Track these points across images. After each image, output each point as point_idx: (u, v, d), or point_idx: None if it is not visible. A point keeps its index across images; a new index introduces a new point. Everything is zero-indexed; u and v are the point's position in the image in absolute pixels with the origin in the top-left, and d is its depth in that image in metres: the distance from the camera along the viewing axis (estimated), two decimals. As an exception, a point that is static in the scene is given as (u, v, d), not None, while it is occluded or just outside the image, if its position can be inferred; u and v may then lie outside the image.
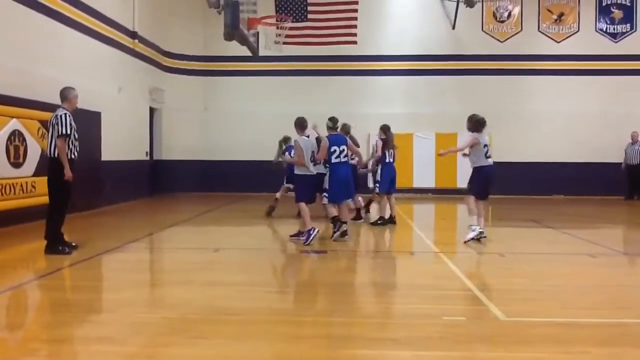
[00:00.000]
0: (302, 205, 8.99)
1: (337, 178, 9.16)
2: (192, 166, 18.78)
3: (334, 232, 9.05)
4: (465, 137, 9.70)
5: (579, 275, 6.95)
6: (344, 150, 9.24)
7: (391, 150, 11.15)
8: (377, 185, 11.26)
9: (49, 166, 7.90)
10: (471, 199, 9.33)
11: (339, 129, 9.61)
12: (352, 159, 11.14)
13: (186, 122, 18.94)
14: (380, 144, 11.16)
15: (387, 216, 11.12)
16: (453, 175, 18.41)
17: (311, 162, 9.08)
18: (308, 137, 9.18)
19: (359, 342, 4.34)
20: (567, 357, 3.98)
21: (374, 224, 11.09)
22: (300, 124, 9.19)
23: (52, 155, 7.79)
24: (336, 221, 9.10)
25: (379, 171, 11.20)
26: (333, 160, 9.16)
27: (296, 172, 9.14)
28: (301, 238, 8.85)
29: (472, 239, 9.01)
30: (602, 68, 18.83)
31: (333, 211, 9.24)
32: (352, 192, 9.71)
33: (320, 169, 9.39)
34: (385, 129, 11.26)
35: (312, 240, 8.66)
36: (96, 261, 7.65)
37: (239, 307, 5.25)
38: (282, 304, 5.70)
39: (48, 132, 7.87)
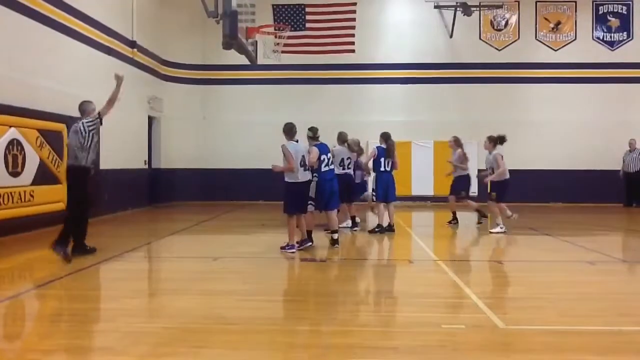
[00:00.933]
0: (291, 218, 8.78)
1: (326, 187, 9.24)
2: (190, 175, 18.77)
3: (300, 246, 9.01)
4: (490, 156, 11.48)
5: (577, 282, 6.94)
6: (330, 158, 9.40)
7: (388, 160, 11.10)
8: (374, 193, 11.24)
9: (66, 175, 8.33)
10: (500, 205, 11.35)
11: (319, 138, 9.48)
12: (348, 167, 11.12)
13: (185, 130, 18.96)
14: (375, 152, 11.13)
15: (385, 224, 11.11)
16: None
17: (301, 167, 8.68)
18: (297, 141, 8.86)
19: (358, 351, 4.33)
20: (567, 365, 3.98)
21: (372, 231, 11.09)
22: (289, 130, 8.80)
23: (70, 163, 8.17)
24: (309, 235, 9.24)
25: (374, 180, 11.20)
26: (322, 169, 9.20)
27: (286, 179, 8.76)
28: (297, 247, 8.84)
29: (498, 232, 11.11)
30: (599, 76, 18.91)
31: (312, 224, 9.31)
32: (338, 200, 9.77)
33: (309, 175, 8.94)
34: (386, 137, 11.19)
35: (288, 251, 8.70)
36: (95, 270, 7.63)
37: (239, 317, 5.24)
38: (281, 313, 5.69)
39: (69, 143, 8.25)
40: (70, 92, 12.10)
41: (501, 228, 11.24)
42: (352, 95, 19.20)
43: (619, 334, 4.78)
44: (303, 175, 8.74)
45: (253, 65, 16.11)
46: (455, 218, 12.80)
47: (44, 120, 10.95)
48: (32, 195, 10.48)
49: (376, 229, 11.06)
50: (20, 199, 10.19)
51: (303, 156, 8.73)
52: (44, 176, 10.88)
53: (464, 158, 12.43)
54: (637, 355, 4.31)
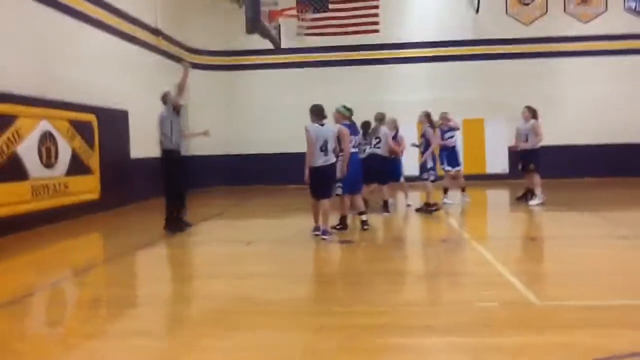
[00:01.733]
0: (316, 202, 8.54)
1: (353, 169, 8.96)
2: (219, 161, 18.88)
3: (337, 227, 8.98)
4: (527, 125, 11.97)
5: (611, 258, 6.84)
6: (357, 140, 9.24)
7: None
8: (430, 173, 10.94)
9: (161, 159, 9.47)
10: (537, 175, 11.74)
11: (347, 117, 9.20)
12: (376, 147, 10.89)
13: (211, 117, 18.98)
14: (431, 131, 10.96)
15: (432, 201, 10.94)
16: (482, 160, 18.26)
17: (321, 152, 8.23)
18: (323, 125, 8.37)
19: (392, 330, 4.35)
20: (603, 340, 3.94)
21: (427, 211, 10.85)
22: (315, 111, 8.39)
23: (161, 148, 9.32)
24: (344, 219, 9.11)
25: (430, 159, 10.98)
26: (351, 151, 8.94)
27: (307, 164, 8.36)
28: (322, 235, 8.43)
29: (537, 204, 11.57)
30: (631, 47, 18.40)
31: (346, 207, 9.14)
32: (362, 184, 9.53)
33: (330, 159, 8.38)
34: (428, 115, 11.11)
35: (320, 235, 8.41)
36: (130, 256, 7.78)
37: (272, 299, 5.29)
38: (314, 294, 5.74)
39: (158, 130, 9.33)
40: (97, 82, 12.27)
41: (539, 199, 11.66)
42: (378, 75, 19.01)
43: (656, 308, 4.72)
44: (323, 160, 8.25)
45: (277, 49, 16.13)
46: (526, 194, 12.26)
47: (74, 111, 11.13)
48: (66, 186, 10.69)
49: (432, 209, 10.84)
50: (56, 189, 10.40)
51: (325, 140, 8.25)
52: (76, 167, 11.09)
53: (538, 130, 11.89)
54: (676, 329, 4.24)
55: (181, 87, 9.24)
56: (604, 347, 3.77)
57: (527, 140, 11.85)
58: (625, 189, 15.40)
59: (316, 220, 8.63)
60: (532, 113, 11.95)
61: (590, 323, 4.33)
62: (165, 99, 9.38)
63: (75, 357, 4.04)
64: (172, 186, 9.41)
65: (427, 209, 10.90)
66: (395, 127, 11.75)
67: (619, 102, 18.18)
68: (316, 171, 8.31)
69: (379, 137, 10.71)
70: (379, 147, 10.69)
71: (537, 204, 11.56)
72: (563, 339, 4.01)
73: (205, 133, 10.32)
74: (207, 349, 4.06)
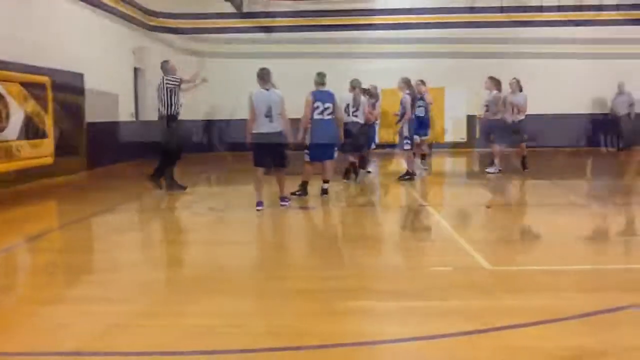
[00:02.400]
0: (256, 171, 8.14)
1: (318, 136, 8.85)
2: (181, 127, 18.51)
3: (296, 193, 8.82)
4: (489, 96, 12.03)
5: (566, 225, 7.02)
6: (328, 107, 8.88)
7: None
8: (407, 142, 10.77)
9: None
10: (496, 145, 11.84)
11: (325, 86, 9.08)
12: (353, 115, 10.77)
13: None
14: (408, 99, 10.75)
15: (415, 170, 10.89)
16: (441, 129, 18.42)
17: (266, 118, 7.90)
18: (268, 90, 8.05)
19: (350, 294, 4.40)
20: (555, 302, 4.07)
21: (402, 178, 10.73)
22: (262, 76, 8.07)
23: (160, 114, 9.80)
24: (305, 185, 8.95)
25: (406, 127, 10.78)
26: (315, 117, 8.81)
27: (248, 130, 8.09)
28: (281, 202, 8.24)
29: (493, 173, 11.62)
30: (589, 19, 18.60)
31: (309, 174, 9.00)
32: (333, 151, 9.38)
33: (277, 127, 8.00)
34: (408, 82, 10.94)
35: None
36: (90, 223, 7.66)
37: (240, 265, 5.32)
38: (279, 260, 5.73)
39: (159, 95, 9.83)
40: (53, 44, 11.85)
41: (495, 168, 11.70)
42: (345, 42, 18.75)
43: (606, 272, 4.89)
44: (268, 127, 7.93)
45: (239, 13, 15.78)
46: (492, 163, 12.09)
47: (27, 73, 10.73)
48: (18, 150, 10.35)
49: (406, 177, 10.70)
50: (7, 153, 10.05)
51: (270, 106, 7.91)
52: (29, 130, 10.72)
53: (499, 101, 12.01)
54: (624, 291, 4.38)
55: (192, 79, 10.12)
56: (558, 310, 3.89)
57: (487, 110, 11.97)
58: (581, 158, 15.79)
59: (259, 195, 8.09)
60: (495, 84, 11.98)
61: (544, 287, 4.46)
62: (163, 68, 9.83)
63: (30, 324, 3.95)
64: (170, 149, 9.70)
65: (407, 177, 10.73)
66: (375, 94, 11.71)
67: (575, 72, 18.43)
68: (261, 137, 7.97)
69: (355, 105, 10.58)
70: (356, 115, 10.55)
71: (493, 172, 11.71)
72: (518, 302, 4.13)
73: (204, 79, 10.55)
74: (170, 314, 4.03)
